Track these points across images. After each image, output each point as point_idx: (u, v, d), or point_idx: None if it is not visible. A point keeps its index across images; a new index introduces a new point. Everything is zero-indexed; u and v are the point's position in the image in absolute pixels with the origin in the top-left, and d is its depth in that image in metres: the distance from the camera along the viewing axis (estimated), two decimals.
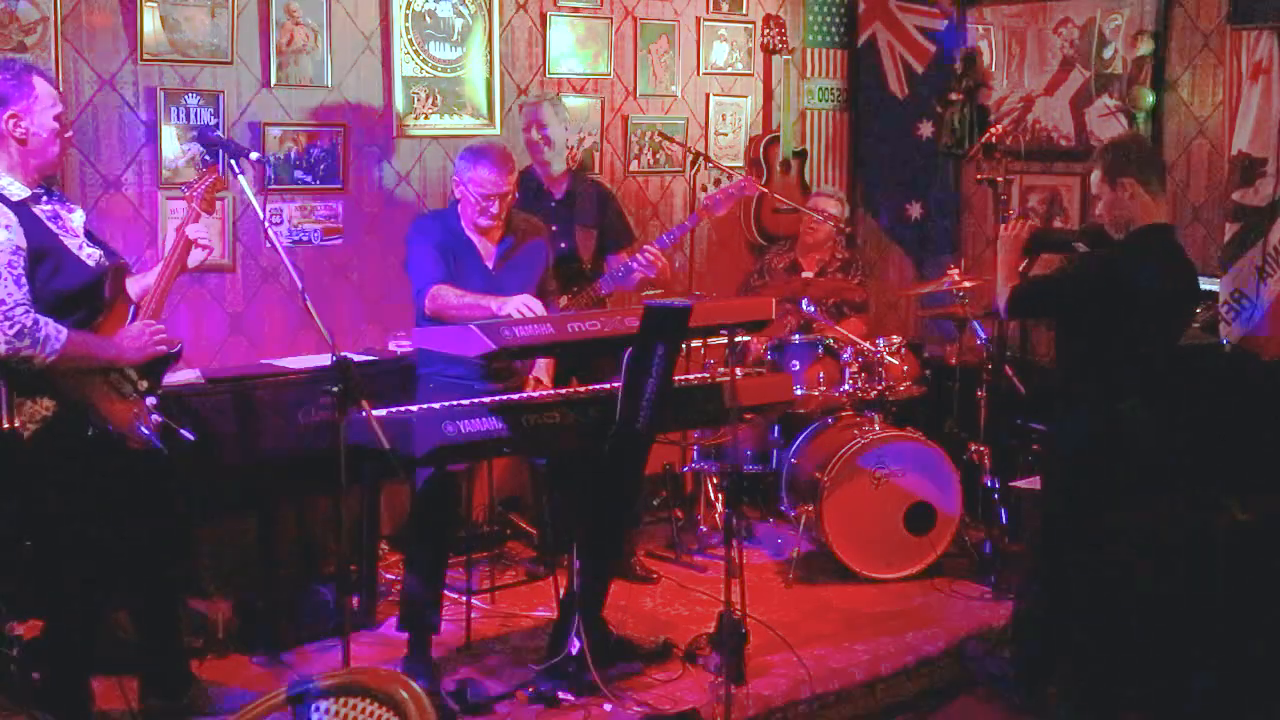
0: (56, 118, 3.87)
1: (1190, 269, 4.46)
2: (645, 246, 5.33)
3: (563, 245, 5.37)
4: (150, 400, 3.94)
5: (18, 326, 3.63)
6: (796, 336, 5.87)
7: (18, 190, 3.81)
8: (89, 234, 4.03)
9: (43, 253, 3.77)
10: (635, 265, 5.28)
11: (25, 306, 3.67)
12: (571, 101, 6.23)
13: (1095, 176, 4.39)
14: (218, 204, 5.34)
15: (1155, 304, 4.27)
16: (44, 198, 3.90)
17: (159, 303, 3.98)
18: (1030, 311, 4.86)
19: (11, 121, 3.78)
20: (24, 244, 3.73)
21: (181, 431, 3.97)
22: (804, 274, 6.29)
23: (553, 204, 5.49)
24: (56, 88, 4.16)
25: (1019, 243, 4.58)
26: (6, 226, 3.71)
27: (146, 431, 3.87)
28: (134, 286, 4.08)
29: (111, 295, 3.94)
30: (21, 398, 3.78)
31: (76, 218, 3.99)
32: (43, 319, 3.68)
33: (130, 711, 4.20)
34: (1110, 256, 4.43)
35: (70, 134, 4.10)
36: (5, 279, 3.66)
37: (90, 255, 3.93)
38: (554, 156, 5.50)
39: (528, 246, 4.80)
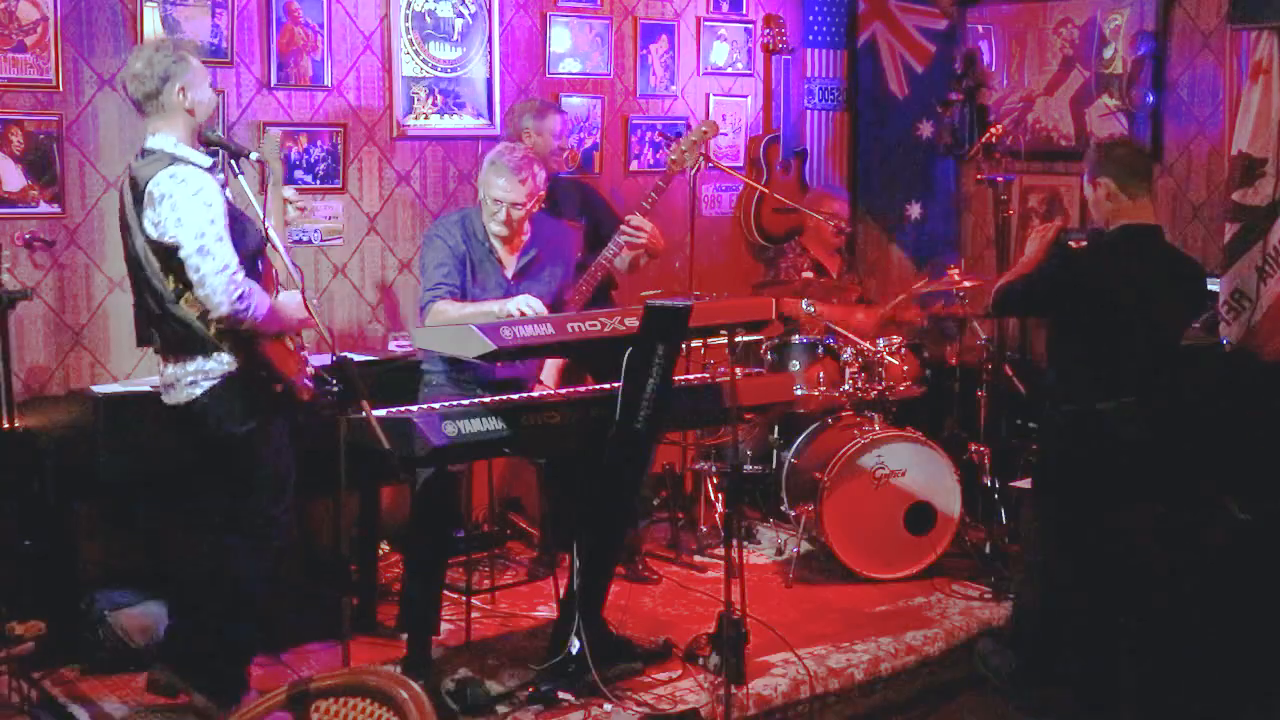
0: (211, 88, 4.00)
1: (1183, 268, 4.44)
2: (626, 218, 5.26)
3: None
4: (304, 354, 4.07)
5: (240, 290, 3.70)
6: (796, 337, 5.87)
7: (203, 159, 3.88)
8: None
9: (234, 215, 3.84)
10: (622, 239, 5.19)
11: (242, 270, 3.73)
12: (571, 101, 6.25)
13: (1084, 177, 4.43)
14: None
15: (1125, 302, 4.25)
16: (214, 168, 3.98)
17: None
18: (1010, 308, 4.86)
19: (181, 94, 3.84)
20: (225, 206, 3.79)
21: (330, 383, 4.01)
22: (830, 276, 6.32)
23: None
24: (55, 81, 4.63)
25: (1046, 243, 4.58)
26: (219, 189, 3.77)
27: (309, 381, 3.99)
28: None
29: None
30: (195, 355, 3.82)
31: None
32: (253, 283, 3.75)
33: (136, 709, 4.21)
34: (1071, 254, 4.45)
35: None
36: (224, 241, 3.71)
37: None
38: (553, 159, 5.51)
39: (551, 261, 4.78)
